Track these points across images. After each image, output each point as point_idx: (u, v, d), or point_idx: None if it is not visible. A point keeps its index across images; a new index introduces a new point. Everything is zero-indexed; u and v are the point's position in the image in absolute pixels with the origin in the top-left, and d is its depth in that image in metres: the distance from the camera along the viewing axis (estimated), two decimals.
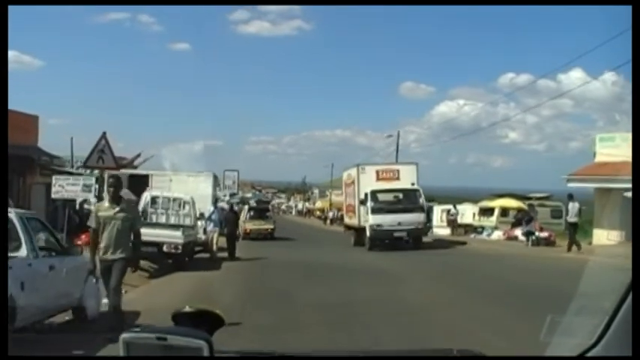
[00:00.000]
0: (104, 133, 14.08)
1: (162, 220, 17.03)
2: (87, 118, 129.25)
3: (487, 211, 31.93)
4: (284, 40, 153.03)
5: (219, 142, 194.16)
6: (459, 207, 32.51)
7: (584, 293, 2.92)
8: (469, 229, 31.19)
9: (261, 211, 31.01)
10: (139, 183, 29.68)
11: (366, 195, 22.72)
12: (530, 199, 31.24)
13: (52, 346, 5.24)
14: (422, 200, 22.86)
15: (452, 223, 31.28)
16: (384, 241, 22.24)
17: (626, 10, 1.06)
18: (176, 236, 15.20)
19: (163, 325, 1.64)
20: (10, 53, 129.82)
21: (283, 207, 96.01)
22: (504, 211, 30.88)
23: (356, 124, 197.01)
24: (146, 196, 18.04)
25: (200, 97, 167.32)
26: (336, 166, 70.56)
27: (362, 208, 23.14)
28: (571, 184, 22.53)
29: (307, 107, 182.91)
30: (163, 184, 29.90)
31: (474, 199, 36.94)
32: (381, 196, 22.83)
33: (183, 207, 17.71)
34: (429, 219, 31.31)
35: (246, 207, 32.89)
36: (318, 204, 77.94)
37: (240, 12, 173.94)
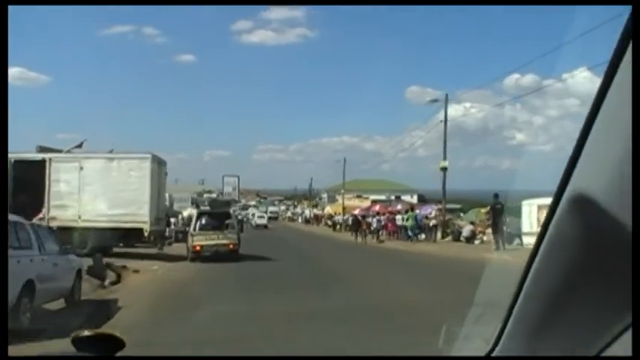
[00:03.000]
0: None
1: None
2: (94, 131, 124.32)
3: None
4: (288, 49, 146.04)
5: (227, 152, 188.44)
6: (538, 201, 20.10)
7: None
8: None
9: (217, 218, 19.55)
10: (30, 172, 18.84)
11: None
12: None
13: None
14: None
15: None
16: None
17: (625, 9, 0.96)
18: None
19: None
20: (16, 69, 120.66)
21: (289, 214, 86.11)
22: None
23: (363, 130, 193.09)
24: None
25: (206, 108, 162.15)
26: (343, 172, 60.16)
27: None
28: None
29: (314, 115, 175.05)
30: (69, 173, 18.95)
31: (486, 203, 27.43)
32: None
33: None
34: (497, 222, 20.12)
35: (195, 211, 21.44)
36: (328, 209, 67.16)
37: (243, 22, 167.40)
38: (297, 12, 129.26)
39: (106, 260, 14.27)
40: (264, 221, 57.05)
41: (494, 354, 1.46)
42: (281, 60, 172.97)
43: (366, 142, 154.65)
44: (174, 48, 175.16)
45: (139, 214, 17.82)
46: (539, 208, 18.69)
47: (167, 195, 40.11)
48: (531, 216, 20.11)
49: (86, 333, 1.63)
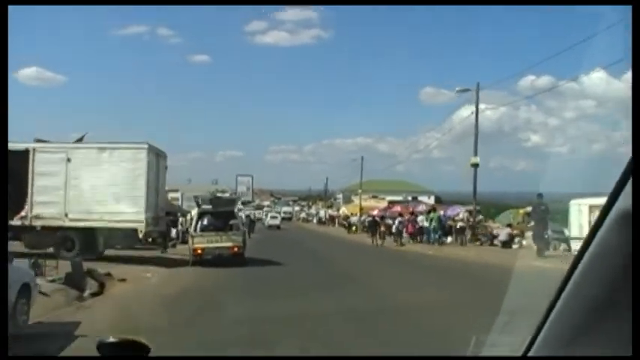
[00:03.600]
0: None
1: None
2: (107, 130, 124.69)
3: None
4: (303, 50, 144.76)
5: (240, 152, 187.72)
6: (590, 201, 17.28)
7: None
8: None
9: (220, 218, 17.45)
10: (11, 163, 16.77)
11: None
12: None
13: None
14: None
15: None
16: None
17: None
18: None
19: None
20: (33, 69, 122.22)
21: (303, 214, 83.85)
22: None
23: (377, 131, 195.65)
24: None
25: (220, 109, 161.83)
26: (358, 172, 57.60)
27: None
28: None
29: (328, 115, 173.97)
30: (55, 165, 16.89)
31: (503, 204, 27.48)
32: None
33: None
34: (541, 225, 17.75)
35: (196, 211, 19.07)
36: (343, 210, 64.80)
37: (257, 22, 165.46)
38: (312, 13, 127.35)
39: (89, 266, 12.13)
40: (277, 222, 54.89)
41: (532, 352, 1.38)
42: (295, 61, 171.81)
43: (379, 143, 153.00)
44: (188, 48, 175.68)
45: (133, 212, 15.74)
46: (591, 208, 16.05)
47: (179, 194, 38.52)
48: (581, 218, 17.52)
49: (111, 339, 1.59)
